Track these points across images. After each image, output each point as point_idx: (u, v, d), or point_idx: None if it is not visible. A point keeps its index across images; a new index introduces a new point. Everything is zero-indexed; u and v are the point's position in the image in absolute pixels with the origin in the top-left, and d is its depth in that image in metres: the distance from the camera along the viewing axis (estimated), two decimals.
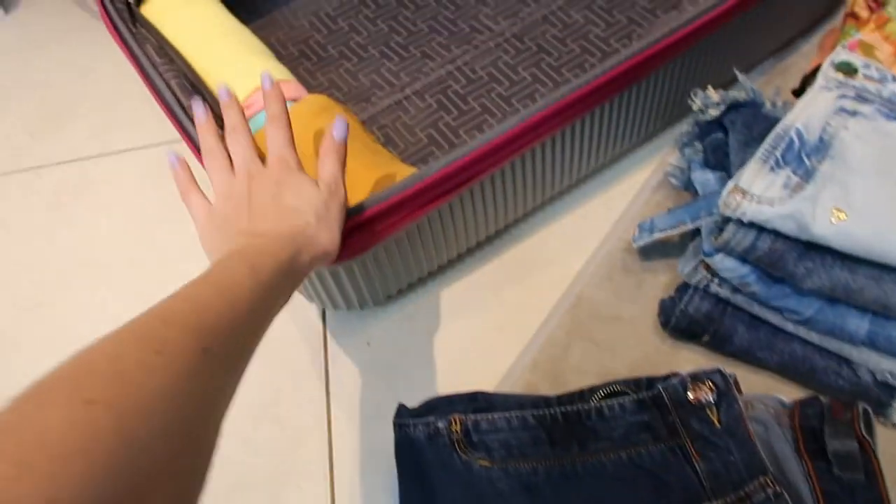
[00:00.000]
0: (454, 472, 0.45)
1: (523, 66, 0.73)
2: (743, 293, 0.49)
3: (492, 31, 0.77)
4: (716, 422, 0.42)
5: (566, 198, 0.65)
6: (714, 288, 0.50)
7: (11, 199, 0.74)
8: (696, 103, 0.55)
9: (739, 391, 0.44)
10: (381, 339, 0.59)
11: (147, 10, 0.67)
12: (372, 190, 0.53)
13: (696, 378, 0.44)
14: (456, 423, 0.45)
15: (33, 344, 0.63)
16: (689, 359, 0.53)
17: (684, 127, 0.60)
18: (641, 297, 0.57)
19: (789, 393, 0.49)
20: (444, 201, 0.51)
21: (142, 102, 0.80)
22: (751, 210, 0.44)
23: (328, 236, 0.43)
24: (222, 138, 0.47)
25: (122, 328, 0.30)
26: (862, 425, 0.41)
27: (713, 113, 0.54)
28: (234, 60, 0.63)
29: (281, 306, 0.39)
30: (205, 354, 0.30)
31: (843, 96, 0.48)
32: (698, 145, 0.58)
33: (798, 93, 0.62)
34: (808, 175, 0.45)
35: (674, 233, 0.54)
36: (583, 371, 0.54)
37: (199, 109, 0.48)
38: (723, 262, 0.48)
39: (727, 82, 0.67)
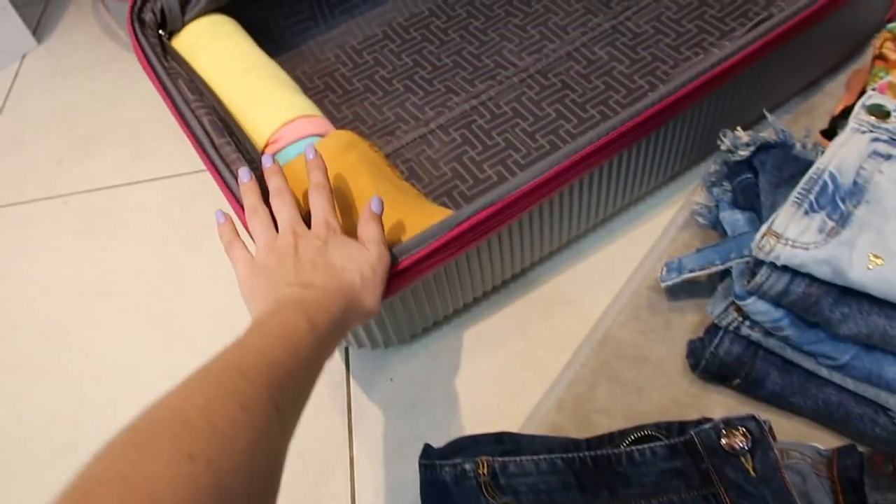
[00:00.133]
0: None
1: (547, 102, 0.73)
2: (776, 337, 0.48)
3: (516, 66, 0.77)
4: (751, 470, 0.42)
5: (591, 236, 0.64)
6: (745, 330, 0.50)
7: (39, 225, 0.75)
8: (725, 144, 0.55)
9: (774, 438, 0.43)
10: (404, 376, 0.58)
11: (178, 44, 0.69)
12: (399, 229, 0.53)
13: (730, 424, 0.43)
14: (483, 465, 0.45)
15: (58, 371, 0.63)
16: (718, 402, 0.52)
17: (710, 165, 0.60)
18: (669, 337, 0.56)
19: (823, 440, 0.48)
20: (475, 245, 0.51)
21: (167, 133, 0.82)
22: (785, 254, 0.44)
23: (372, 299, 0.44)
24: (265, 200, 0.49)
25: (203, 377, 0.32)
26: None
27: (742, 154, 0.54)
28: (264, 95, 0.64)
29: (328, 359, 0.40)
30: (277, 412, 0.32)
31: (876, 139, 0.48)
32: (727, 185, 0.57)
33: (827, 133, 0.61)
34: (843, 219, 0.44)
35: (703, 273, 0.53)
36: (610, 412, 0.53)
37: (244, 171, 0.50)
38: (755, 306, 0.47)
39: (753, 121, 0.68)
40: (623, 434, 0.46)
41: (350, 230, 0.49)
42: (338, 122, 0.75)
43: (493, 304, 0.61)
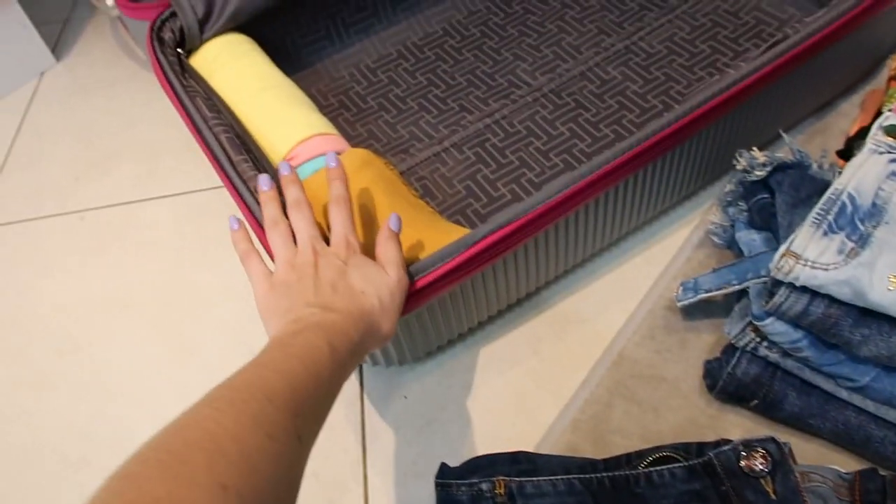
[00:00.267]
0: None
1: (561, 121, 0.74)
2: (794, 358, 0.48)
3: (529, 85, 0.78)
4: (771, 493, 0.41)
5: (606, 255, 0.64)
6: (763, 351, 0.49)
7: (55, 240, 0.75)
8: (742, 164, 0.55)
9: (794, 461, 0.43)
10: (419, 394, 0.58)
11: (196, 62, 0.70)
12: (415, 247, 0.53)
13: (749, 446, 0.43)
14: (500, 485, 0.44)
15: (71, 385, 0.63)
16: (736, 423, 0.52)
17: (725, 185, 0.60)
18: (685, 357, 0.56)
19: (843, 463, 0.47)
20: (491, 264, 0.51)
21: (183, 150, 0.82)
22: (804, 274, 0.44)
23: (389, 324, 0.44)
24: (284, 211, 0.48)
25: (231, 398, 0.32)
26: None
27: (759, 174, 0.54)
28: (280, 113, 0.64)
29: (344, 383, 0.40)
30: (299, 442, 0.32)
31: (894, 160, 0.48)
32: (743, 205, 0.57)
33: (843, 154, 0.61)
34: (862, 240, 0.44)
35: (719, 293, 0.53)
36: (626, 432, 0.52)
37: (264, 179, 0.49)
38: (773, 326, 0.47)
39: (768, 141, 0.68)
40: (641, 455, 0.46)
41: (367, 247, 0.49)
42: (352, 140, 0.76)
43: (507, 323, 0.61)
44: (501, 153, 0.72)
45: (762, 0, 0.79)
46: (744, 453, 0.42)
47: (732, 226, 0.59)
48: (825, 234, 0.45)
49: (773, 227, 0.54)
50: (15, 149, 0.86)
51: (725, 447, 0.43)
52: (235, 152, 0.57)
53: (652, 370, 0.56)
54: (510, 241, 0.50)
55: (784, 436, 0.46)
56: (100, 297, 0.70)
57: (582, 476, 0.44)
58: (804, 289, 0.45)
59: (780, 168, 0.54)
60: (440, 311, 0.54)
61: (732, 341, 0.51)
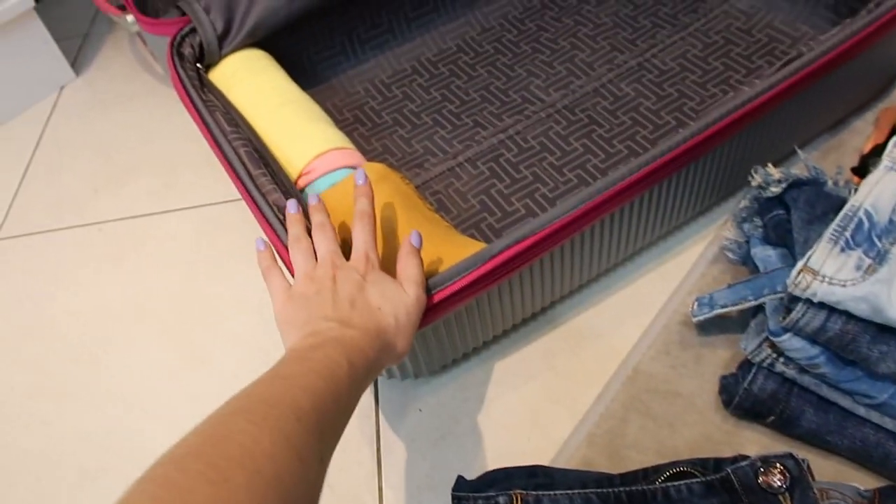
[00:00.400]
0: None
1: (574, 137, 0.74)
2: (811, 374, 0.48)
3: (543, 101, 0.79)
4: None
5: (620, 270, 0.65)
6: (779, 367, 0.49)
7: (73, 251, 0.76)
8: (757, 180, 0.56)
9: (813, 477, 0.43)
10: (433, 407, 0.58)
11: (215, 77, 0.71)
12: (432, 261, 0.54)
13: (767, 462, 0.43)
14: (517, 499, 0.44)
15: (88, 395, 0.64)
16: (752, 439, 0.52)
17: (740, 201, 0.60)
18: (700, 372, 0.56)
19: (862, 480, 0.47)
20: (507, 278, 0.51)
21: (200, 164, 0.83)
22: (822, 290, 0.44)
23: (404, 342, 0.44)
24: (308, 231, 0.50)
25: (264, 413, 0.32)
26: None
27: (774, 190, 0.54)
28: (297, 128, 0.65)
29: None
30: (321, 464, 0.33)
31: None
32: (758, 221, 0.58)
33: (858, 171, 0.62)
34: (880, 257, 0.44)
35: (735, 309, 0.53)
36: (641, 447, 0.52)
37: (292, 203, 0.51)
38: (791, 342, 0.47)
39: (781, 158, 0.68)
40: (657, 470, 0.45)
41: (384, 261, 0.49)
42: (367, 155, 0.76)
43: (522, 337, 0.62)
44: (515, 168, 0.72)
45: (775, 18, 0.80)
46: (762, 469, 0.42)
47: (747, 242, 0.59)
48: (842, 250, 0.45)
49: (788, 243, 0.54)
50: (35, 161, 0.87)
51: (743, 463, 0.43)
52: (254, 166, 0.58)
53: (667, 385, 0.56)
54: (526, 255, 0.51)
55: (801, 453, 0.45)
56: (116, 308, 0.70)
57: (599, 490, 0.44)
58: (821, 305, 0.45)
59: (796, 184, 0.54)
60: (456, 325, 0.55)
61: (749, 357, 0.51)
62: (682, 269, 0.63)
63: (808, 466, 0.43)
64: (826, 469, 0.49)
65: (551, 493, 0.44)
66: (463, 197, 0.71)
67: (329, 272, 0.45)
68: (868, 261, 0.44)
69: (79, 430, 0.62)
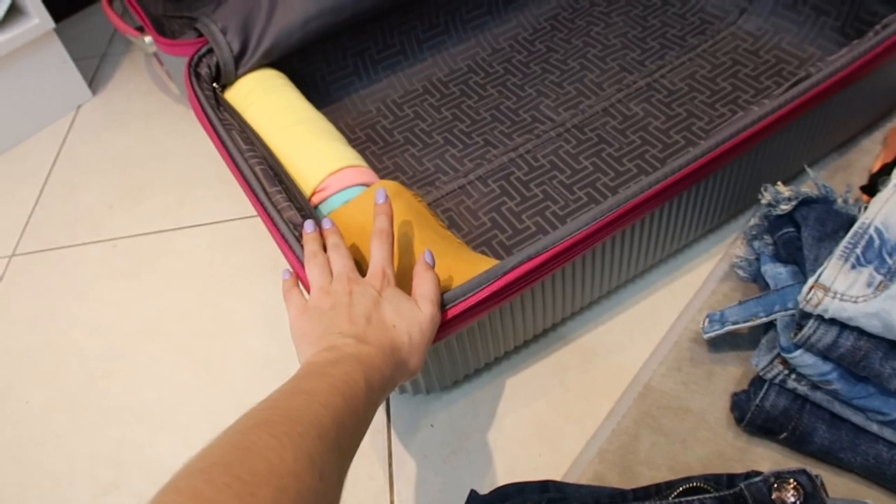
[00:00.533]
0: None
1: (584, 156, 0.75)
2: (823, 390, 0.48)
3: (553, 121, 0.80)
4: None
5: (631, 287, 0.65)
6: (791, 383, 0.50)
7: (89, 267, 0.77)
8: (766, 198, 0.56)
9: (827, 494, 0.43)
10: (445, 423, 0.58)
11: (231, 96, 0.72)
12: (445, 278, 0.54)
13: (780, 477, 0.43)
14: None
15: (102, 410, 0.64)
16: (765, 456, 0.52)
17: (750, 219, 0.61)
18: (711, 389, 0.56)
19: (876, 498, 0.47)
20: (519, 294, 0.52)
21: (213, 180, 0.84)
22: (833, 307, 0.44)
23: (417, 360, 0.45)
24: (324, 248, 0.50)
25: (287, 430, 0.32)
26: None
27: (784, 208, 0.55)
28: (311, 146, 0.66)
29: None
30: (338, 484, 0.33)
31: None
32: (768, 238, 0.58)
33: (867, 190, 0.62)
34: (891, 274, 0.45)
35: (746, 325, 0.53)
36: (653, 464, 0.52)
37: (310, 223, 0.52)
38: (802, 358, 0.47)
39: (790, 177, 0.68)
40: (670, 485, 0.46)
41: (398, 278, 0.50)
42: (379, 173, 0.77)
43: (533, 354, 0.62)
44: (526, 186, 0.73)
45: (782, 40, 0.81)
46: (775, 485, 0.42)
47: (757, 259, 0.59)
48: (853, 266, 0.45)
49: (798, 260, 0.54)
50: (51, 178, 0.89)
51: (756, 478, 0.43)
52: (270, 183, 0.59)
53: (679, 402, 0.56)
54: (539, 272, 0.51)
55: (814, 470, 0.45)
56: (131, 324, 0.71)
57: None
58: (833, 321, 0.45)
59: (806, 202, 0.54)
60: (468, 341, 0.55)
61: (760, 373, 0.51)
62: (692, 287, 0.64)
63: (822, 482, 0.43)
64: (839, 486, 0.49)
65: None
66: (474, 214, 0.72)
67: (345, 287, 0.45)
68: (879, 277, 0.45)
69: (93, 444, 0.62)
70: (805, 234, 0.52)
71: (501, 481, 0.53)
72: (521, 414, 0.58)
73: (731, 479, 0.45)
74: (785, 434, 0.50)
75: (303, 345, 0.44)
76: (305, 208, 0.59)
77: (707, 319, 0.56)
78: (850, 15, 0.75)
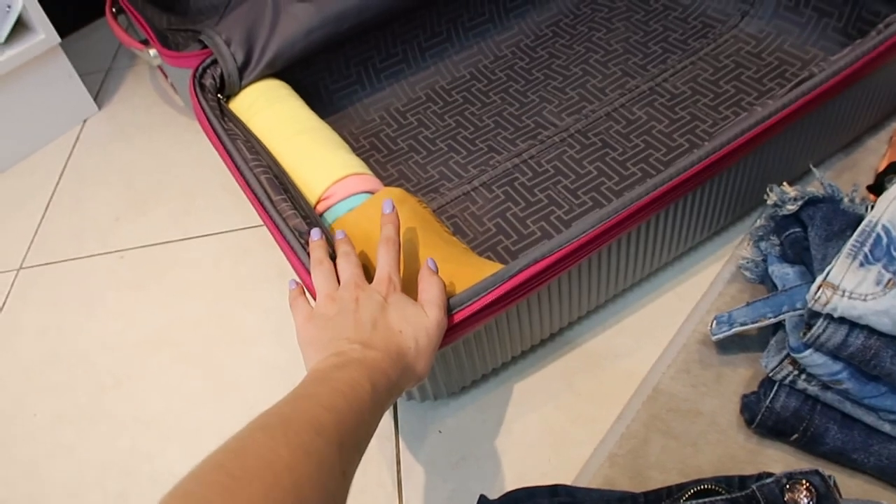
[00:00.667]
0: None
1: (588, 160, 0.75)
2: (834, 390, 0.48)
3: (556, 126, 0.80)
4: None
5: (637, 290, 0.65)
6: (802, 384, 0.49)
7: (97, 279, 0.78)
8: (772, 198, 0.56)
9: (840, 494, 0.42)
10: (453, 429, 0.58)
11: (235, 106, 0.72)
12: (451, 283, 0.54)
13: (793, 478, 0.42)
14: None
15: (110, 422, 0.64)
16: (776, 458, 0.51)
17: (756, 220, 0.61)
18: (721, 391, 0.56)
19: (890, 499, 0.47)
20: (525, 297, 0.52)
21: (218, 191, 0.85)
22: (842, 305, 0.44)
23: (424, 365, 0.45)
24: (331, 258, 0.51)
25: (285, 429, 0.33)
26: None
27: (790, 208, 0.55)
28: (316, 154, 0.67)
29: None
30: (343, 476, 0.33)
31: None
32: (774, 239, 0.58)
33: (874, 189, 0.62)
34: None
35: (754, 326, 0.53)
36: (664, 467, 0.52)
37: (316, 231, 0.52)
38: (812, 358, 0.47)
39: (796, 177, 0.68)
40: (682, 488, 0.45)
41: (404, 284, 0.50)
42: (384, 181, 0.77)
43: (540, 358, 0.62)
44: (530, 192, 0.73)
45: (784, 42, 0.81)
46: (787, 486, 0.42)
47: (764, 260, 0.59)
48: (861, 265, 0.45)
49: (806, 260, 0.54)
50: (59, 192, 0.89)
51: (768, 480, 0.43)
52: (275, 192, 0.59)
53: (688, 404, 0.56)
54: (545, 275, 0.51)
55: (827, 471, 0.45)
56: (139, 334, 0.71)
57: None
58: (842, 320, 0.45)
59: (812, 202, 0.54)
60: (475, 346, 0.55)
61: (770, 374, 0.51)
62: (699, 289, 0.63)
63: (835, 483, 0.43)
64: (852, 488, 0.49)
65: None
66: (479, 220, 0.72)
67: (352, 294, 0.45)
68: (888, 275, 0.44)
69: (102, 455, 0.62)
70: (812, 234, 0.52)
71: (510, 487, 0.53)
72: (529, 419, 0.58)
73: (743, 480, 0.44)
74: (796, 435, 0.50)
75: (309, 351, 0.44)
76: (311, 216, 0.59)
77: (715, 321, 0.55)
78: (852, 15, 0.75)
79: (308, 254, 0.52)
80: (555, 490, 0.47)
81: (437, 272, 0.50)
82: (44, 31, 0.89)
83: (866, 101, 0.66)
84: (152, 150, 0.93)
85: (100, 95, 1.03)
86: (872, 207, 0.49)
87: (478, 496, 0.49)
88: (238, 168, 0.61)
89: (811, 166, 0.58)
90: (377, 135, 0.84)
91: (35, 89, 0.93)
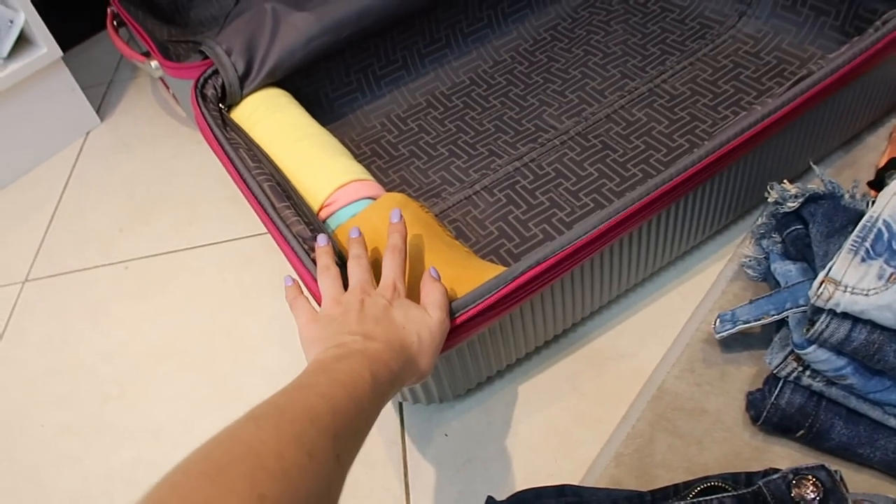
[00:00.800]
0: None
1: (589, 162, 0.75)
2: (839, 386, 0.48)
3: (556, 129, 0.80)
4: None
5: (640, 290, 0.65)
6: (806, 380, 0.49)
7: (101, 290, 0.78)
8: (773, 196, 0.56)
9: (847, 489, 0.42)
10: (459, 432, 0.58)
11: (237, 116, 0.73)
12: (454, 286, 0.54)
13: (799, 474, 0.42)
14: None
15: (116, 432, 0.64)
16: (782, 454, 0.51)
17: (757, 218, 0.61)
18: (726, 389, 0.56)
19: None
20: (529, 299, 0.52)
21: (221, 200, 0.85)
22: (845, 300, 0.44)
23: (427, 361, 0.45)
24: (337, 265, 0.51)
25: (276, 419, 0.33)
26: None
27: (791, 205, 0.55)
28: (318, 161, 0.67)
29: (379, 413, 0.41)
30: (338, 463, 0.33)
31: None
32: (776, 237, 0.58)
33: (874, 185, 0.62)
34: None
35: (757, 324, 0.53)
36: (670, 466, 0.52)
37: (322, 237, 0.53)
38: (816, 354, 0.47)
39: (796, 175, 0.68)
40: (688, 485, 0.45)
41: (408, 289, 0.50)
42: (385, 186, 0.77)
43: (545, 359, 0.62)
44: (532, 195, 0.74)
45: (782, 41, 0.81)
46: (794, 482, 0.42)
47: (766, 258, 0.59)
48: (863, 260, 0.45)
49: (808, 257, 0.54)
50: (62, 204, 0.90)
51: (775, 476, 0.43)
52: (278, 199, 0.59)
53: (693, 403, 0.56)
54: (548, 276, 0.51)
55: (833, 466, 0.45)
56: (144, 344, 0.71)
57: None
58: (845, 315, 0.45)
59: (813, 199, 0.54)
60: (479, 348, 0.55)
61: (774, 371, 0.51)
62: (702, 288, 0.64)
63: (842, 478, 0.43)
64: (859, 482, 0.49)
65: None
66: (481, 224, 0.72)
67: (358, 297, 0.46)
68: (890, 270, 0.44)
69: (108, 465, 0.62)
70: (813, 231, 0.52)
71: (517, 488, 0.53)
72: (534, 420, 0.58)
73: (750, 477, 0.44)
74: (802, 432, 0.50)
75: (312, 349, 0.45)
76: (314, 223, 0.59)
77: (718, 319, 0.56)
78: (849, 13, 0.75)
79: (313, 260, 0.52)
80: (562, 490, 0.47)
81: (439, 279, 0.50)
82: (46, 45, 0.90)
83: (865, 98, 0.67)
84: (155, 161, 0.93)
85: (102, 108, 1.04)
86: (873, 203, 0.49)
87: (485, 498, 0.49)
88: (241, 176, 0.61)
89: (811, 164, 0.58)
90: (378, 141, 0.84)
91: (38, 103, 0.93)
